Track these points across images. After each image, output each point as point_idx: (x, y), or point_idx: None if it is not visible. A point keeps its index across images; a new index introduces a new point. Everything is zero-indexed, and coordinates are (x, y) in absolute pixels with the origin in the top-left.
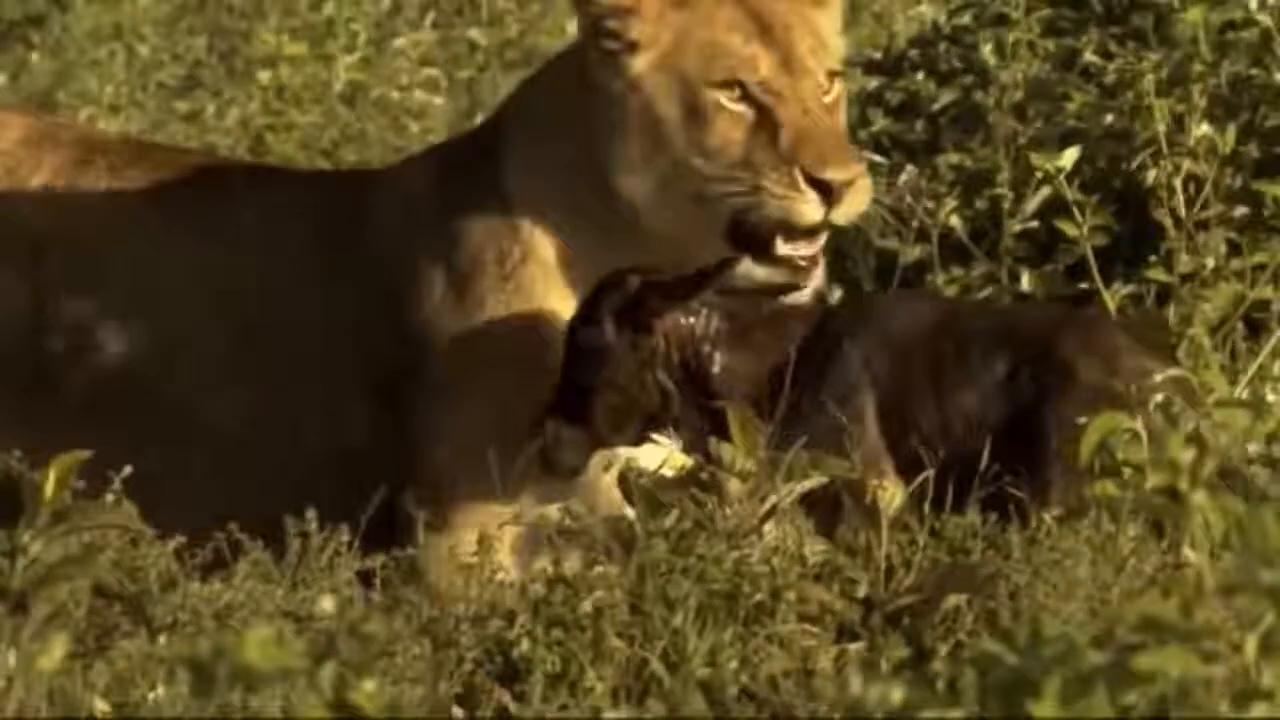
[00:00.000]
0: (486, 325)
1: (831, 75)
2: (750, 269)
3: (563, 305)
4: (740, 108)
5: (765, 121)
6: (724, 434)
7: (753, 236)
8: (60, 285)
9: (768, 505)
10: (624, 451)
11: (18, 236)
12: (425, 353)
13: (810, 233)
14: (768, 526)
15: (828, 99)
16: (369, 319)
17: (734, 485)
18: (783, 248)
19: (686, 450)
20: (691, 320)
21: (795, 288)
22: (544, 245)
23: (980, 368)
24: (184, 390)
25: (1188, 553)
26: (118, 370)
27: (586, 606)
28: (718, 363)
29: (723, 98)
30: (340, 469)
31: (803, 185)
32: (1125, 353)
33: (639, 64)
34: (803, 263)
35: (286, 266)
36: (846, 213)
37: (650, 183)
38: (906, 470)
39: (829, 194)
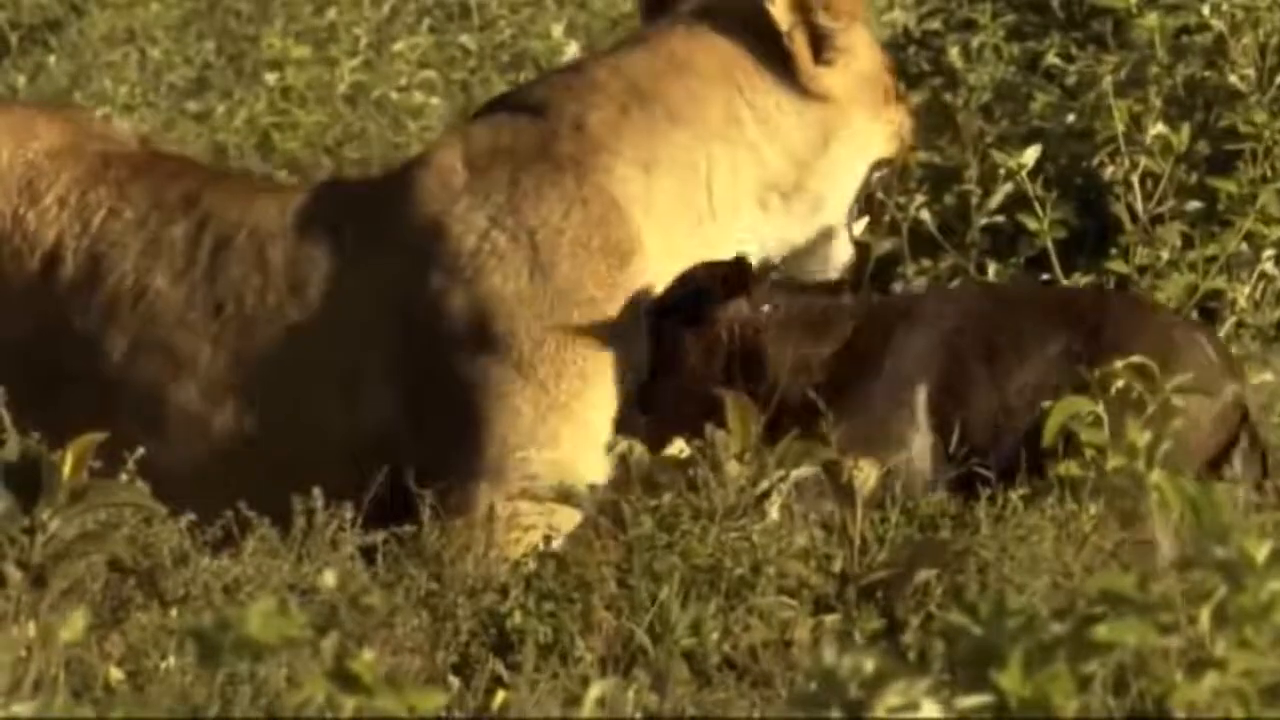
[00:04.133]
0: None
1: None
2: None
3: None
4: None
5: None
6: (777, 421)
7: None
8: (70, 295)
9: (760, 488)
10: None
11: (31, 250)
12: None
13: None
14: (772, 510)
15: None
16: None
17: (732, 468)
18: None
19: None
20: (752, 311)
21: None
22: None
23: (1035, 350)
24: (192, 382)
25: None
26: (130, 366)
27: (576, 581)
28: (774, 352)
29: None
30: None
31: None
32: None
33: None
34: None
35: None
36: None
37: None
38: (960, 455)
39: None
